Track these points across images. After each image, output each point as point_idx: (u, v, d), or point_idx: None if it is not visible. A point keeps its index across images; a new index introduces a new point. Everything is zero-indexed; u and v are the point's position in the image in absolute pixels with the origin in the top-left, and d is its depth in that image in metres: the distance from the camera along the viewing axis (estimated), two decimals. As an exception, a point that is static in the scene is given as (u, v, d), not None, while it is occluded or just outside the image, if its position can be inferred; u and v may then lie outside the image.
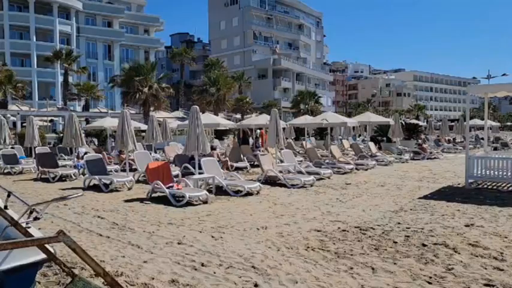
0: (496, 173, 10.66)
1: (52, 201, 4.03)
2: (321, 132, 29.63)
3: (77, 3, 46.89)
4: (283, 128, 16.39)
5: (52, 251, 2.98)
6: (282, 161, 13.35)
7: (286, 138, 19.70)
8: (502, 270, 4.75)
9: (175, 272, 4.77)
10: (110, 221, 7.39)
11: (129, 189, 11.13)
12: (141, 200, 9.42)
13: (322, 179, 12.62)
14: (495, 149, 22.97)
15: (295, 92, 56.20)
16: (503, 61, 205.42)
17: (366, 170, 15.29)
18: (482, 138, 23.79)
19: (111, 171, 13.09)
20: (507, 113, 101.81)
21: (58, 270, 4.57)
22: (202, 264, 5.02)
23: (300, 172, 12.76)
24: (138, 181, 12.24)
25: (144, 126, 21.58)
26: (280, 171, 12.23)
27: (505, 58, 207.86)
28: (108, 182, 11.17)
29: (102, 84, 44.61)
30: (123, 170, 13.35)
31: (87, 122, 30.05)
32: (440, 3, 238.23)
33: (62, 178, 13.14)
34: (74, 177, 13.36)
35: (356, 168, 15.04)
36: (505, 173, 10.52)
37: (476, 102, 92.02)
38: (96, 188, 11.03)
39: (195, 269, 4.88)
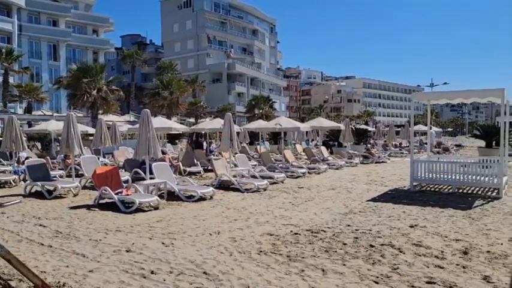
0: (438, 176, 11.27)
1: (-15, 209, 3.74)
2: (275, 137, 29.97)
3: (19, 0, 44.26)
4: (238, 133, 16.37)
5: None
6: (236, 166, 13.31)
7: (241, 143, 19.71)
8: (443, 268, 5.00)
9: (122, 281, 4.59)
10: (53, 230, 6.99)
11: (75, 195, 10.60)
12: (88, 207, 9.01)
13: (275, 183, 12.73)
14: (437, 153, 24.35)
15: (249, 97, 56.59)
16: (446, 70, 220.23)
17: (318, 173, 15.63)
18: (426, 143, 25.16)
19: (55, 176, 12.44)
20: (448, 119, 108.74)
21: (-8, 283, 4.23)
22: (152, 272, 4.87)
23: (253, 176, 12.79)
24: (84, 187, 11.71)
25: (92, 130, 20.71)
26: (234, 176, 12.18)
27: (447, 67, 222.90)
28: (51, 188, 10.58)
29: (46, 86, 42.28)
30: (69, 176, 12.72)
31: (30, 125, 28.38)
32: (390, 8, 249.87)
33: (0, 185, 12.30)
34: (13, 183, 12.54)
35: (308, 172, 15.33)
36: (446, 176, 11.16)
37: (420, 109, 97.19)
38: (38, 195, 10.41)
39: (144, 277, 4.71)
